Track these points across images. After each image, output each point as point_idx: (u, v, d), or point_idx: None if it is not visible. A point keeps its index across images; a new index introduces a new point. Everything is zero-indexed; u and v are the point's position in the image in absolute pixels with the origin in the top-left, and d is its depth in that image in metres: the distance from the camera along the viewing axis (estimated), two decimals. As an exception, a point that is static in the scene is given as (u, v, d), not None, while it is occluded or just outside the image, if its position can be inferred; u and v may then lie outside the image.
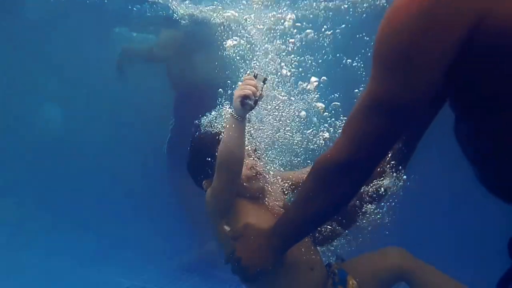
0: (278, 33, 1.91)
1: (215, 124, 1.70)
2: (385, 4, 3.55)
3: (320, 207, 1.33)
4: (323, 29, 2.39)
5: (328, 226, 1.59)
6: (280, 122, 1.79)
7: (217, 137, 1.62)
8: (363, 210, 1.59)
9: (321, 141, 1.79)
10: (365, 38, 2.22)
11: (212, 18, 4.04)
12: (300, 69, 1.92)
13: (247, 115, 1.50)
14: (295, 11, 3.64)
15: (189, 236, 4.31)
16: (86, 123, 5.65)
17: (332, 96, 1.95)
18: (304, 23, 2.54)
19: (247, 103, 1.46)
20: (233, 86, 1.77)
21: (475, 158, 1.30)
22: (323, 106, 1.82)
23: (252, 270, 1.48)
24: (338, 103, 1.83)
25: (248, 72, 1.54)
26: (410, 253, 1.59)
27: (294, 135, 1.78)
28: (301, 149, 1.77)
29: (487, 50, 1.07)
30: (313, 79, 1.86)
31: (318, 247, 1.66)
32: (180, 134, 3.88)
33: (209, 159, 1.61)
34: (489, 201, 1.30)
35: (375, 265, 1.60)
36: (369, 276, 1.57)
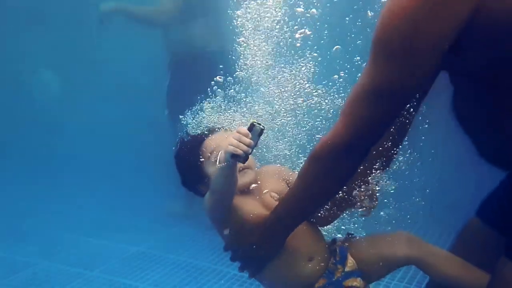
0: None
1: (197, 131, 1.65)
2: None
3: (319, 190, 1.36)
4: None
5: (326, 206, 1.57)
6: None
7: (199, 144, 1.60)
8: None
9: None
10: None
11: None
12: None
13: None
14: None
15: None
16: (84, 91, 5.59)
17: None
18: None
19: (235, 159, 1.35)
20: (230, 55, 1.73)
21: (474, 131, 1.32)
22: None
23: (256, 259, 1.50)
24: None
25: (250, 121, 1.37)
26: (418, 238, 1.56)
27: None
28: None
29: (488, 30, 1.07)
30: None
31: (324, 227, 1.62)
32: (177, 100, 3.83)
33: (197, 169, 1.60)
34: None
35: (381, 250, 1.54)
36: (374, 260, 1.54)
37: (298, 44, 1.63)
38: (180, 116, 1.70)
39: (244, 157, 1.34)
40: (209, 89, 1.68)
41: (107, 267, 3.64)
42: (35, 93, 5.71)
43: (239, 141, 1.32)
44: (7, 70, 5.51)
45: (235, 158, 1.34)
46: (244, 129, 1.34)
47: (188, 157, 1.62)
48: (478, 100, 1.25)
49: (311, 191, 1.35)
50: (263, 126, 1.36)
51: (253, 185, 1.60)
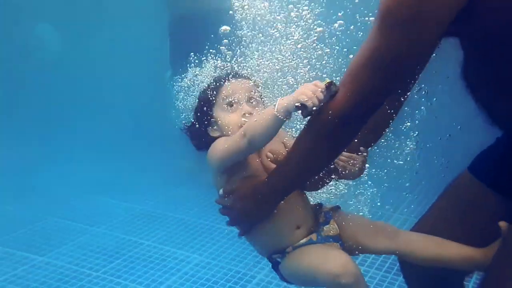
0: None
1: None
2: None
3: (316, 159, 1.36)
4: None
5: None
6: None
7: (218, 86, 1.54)
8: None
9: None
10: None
11: None
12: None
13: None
14: None
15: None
16: (85, 46, 5.53)
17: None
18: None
19: (300, 110, 1.26)
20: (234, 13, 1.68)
21: (484, 97, 1.31)
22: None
23: (246, 221, 1.52)
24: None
25: (326, 80, 1.28)
26: (396, 229, 1.58)
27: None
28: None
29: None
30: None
31: (312, 192, 1.63)
32: (178, 56, 3.78)
33: (208, 111, 1.55)
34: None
35: (361, 237, 1.56)
36: (352, 242, 1.55)
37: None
38: (182, 76, 1.68)
39: (310, 111, 1.27)
40: (208, 48, 1.65)
41: (113, 224, 3.74)
42: (35, 47, 5.64)
43: (314, 94, 1.25)
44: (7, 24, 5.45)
45: (299, 109, 1.27)
46: (322, 84, 1.27)
47: (203, 96, 1.58)
48: (489, 65, 1.24)
49: (307, 159, 1.35)
50: (337, 89, 1.27)
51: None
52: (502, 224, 1.37)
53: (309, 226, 1.55)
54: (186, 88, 1.68)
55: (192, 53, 1.67)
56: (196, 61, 1.67)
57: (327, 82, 1.27)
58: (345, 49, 1.57)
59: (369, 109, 1.25)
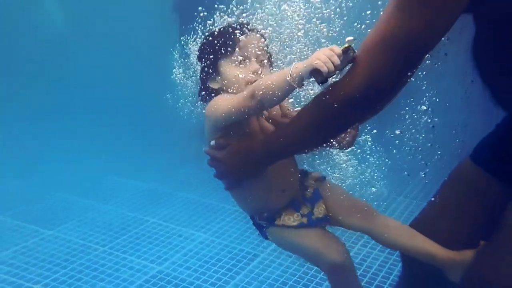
0: None
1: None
2: None
3: (317, 136, 1.35)
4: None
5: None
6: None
7: (229, 37, 1.43)
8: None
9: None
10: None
11: None
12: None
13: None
14: None
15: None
16: (90, 26, 5.50)
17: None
18: None
19: (314, 76, 1.19)
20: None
21: (492, 76, 1.31)
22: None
23: (233, 177, 1.51)
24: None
25: (345, 45, 1.20)
26: (374, 210, 1.64)
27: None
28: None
29: None
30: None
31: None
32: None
33: (215, 62, 1.46)
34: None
35: (343, 209, 1.61)
36: (334, 214, 1.62)
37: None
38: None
39: (326, 78, 1.19)
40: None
41: (119, 201, 3.81)
42: (41, 22, 5.61)
43: (329, 59, 1.18)
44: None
45: (314, 75, 1.19)
46: (338, 49, 1.20)
47: (211, 42, 1.48)
48: (501, 42, 1.23)
49: (308, 133, 1.33)
50: (355, 55, 1.20)
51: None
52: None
53: (294, 191, 1.59)
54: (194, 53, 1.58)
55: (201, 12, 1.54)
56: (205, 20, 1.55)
57: (345, 47, 1.20)
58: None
59: (383, 92, 1.23)
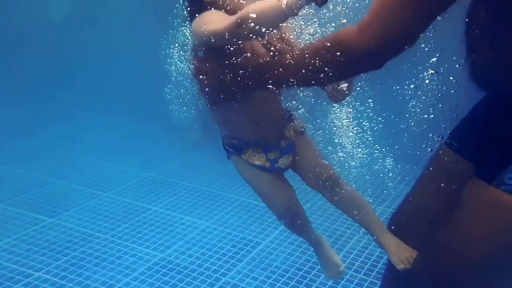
0: None
1: None
2: None
3: (314, 79, 1.28)
4: None
5: None
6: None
7: None
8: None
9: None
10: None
11: None
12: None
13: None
14: None
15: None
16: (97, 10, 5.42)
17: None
18: None
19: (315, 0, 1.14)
20: None
21: (481, 45, 1.26)
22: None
23: (218, 92, 1.46)
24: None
25: None
26: (338, 180, 1.71)
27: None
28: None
29: None
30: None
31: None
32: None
33: None
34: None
35: (309, 169, 1.69)
36: (298, 169, 1.71)
37: None
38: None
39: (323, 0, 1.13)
40: None
41: (120, 190, 3.79)
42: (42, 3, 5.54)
43: None
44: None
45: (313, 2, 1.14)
46: None
47: None
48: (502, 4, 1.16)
49: (306, 76, 1.27)
50: None
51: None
52: None
53: (267, 132, 1.62)
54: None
55: None
56: None
57: None
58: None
59: (396, 50, 1.17)
